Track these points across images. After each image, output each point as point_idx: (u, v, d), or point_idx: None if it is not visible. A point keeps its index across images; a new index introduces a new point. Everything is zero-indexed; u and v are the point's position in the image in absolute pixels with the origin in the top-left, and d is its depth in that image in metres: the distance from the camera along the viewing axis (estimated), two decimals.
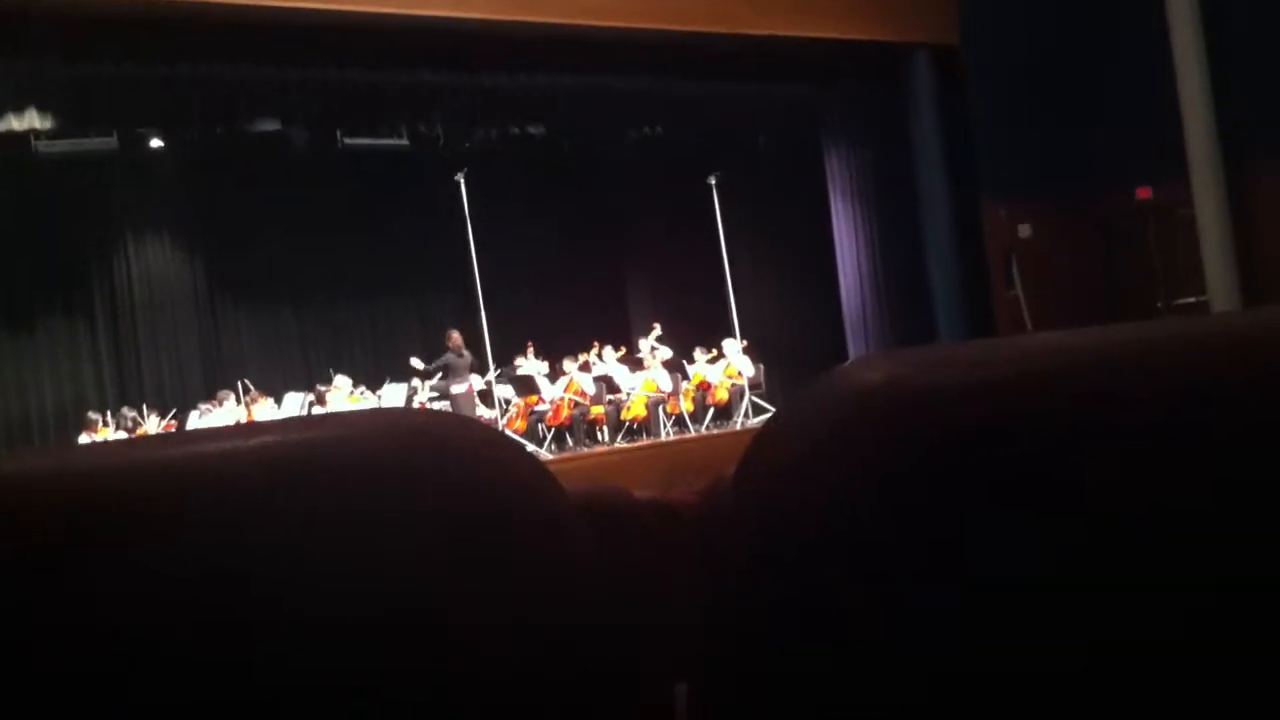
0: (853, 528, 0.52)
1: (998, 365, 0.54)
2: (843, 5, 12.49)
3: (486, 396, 13.18)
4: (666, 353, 14.10)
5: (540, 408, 13.58)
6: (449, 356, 12.84)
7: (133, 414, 12.75)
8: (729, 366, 14.08)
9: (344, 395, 12.87)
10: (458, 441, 0.59)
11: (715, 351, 14.31)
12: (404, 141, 13.40)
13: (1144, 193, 13.32)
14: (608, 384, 13.79)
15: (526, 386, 13.56)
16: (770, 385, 14.58)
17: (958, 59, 13.40)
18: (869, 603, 0.52)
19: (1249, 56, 11.96)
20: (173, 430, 10.85)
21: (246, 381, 13.51)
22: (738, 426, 13.43)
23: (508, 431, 12.19)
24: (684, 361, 14.36)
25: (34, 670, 0.48)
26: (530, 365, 13.93)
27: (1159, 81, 12.41)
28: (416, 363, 13.17)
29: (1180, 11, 12.19)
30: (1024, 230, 13.57)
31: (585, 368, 14.00)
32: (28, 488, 0.51)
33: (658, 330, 14.42)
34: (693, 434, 13.50)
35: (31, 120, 10.35)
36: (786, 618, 0.54)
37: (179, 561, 0.51)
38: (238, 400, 12.91)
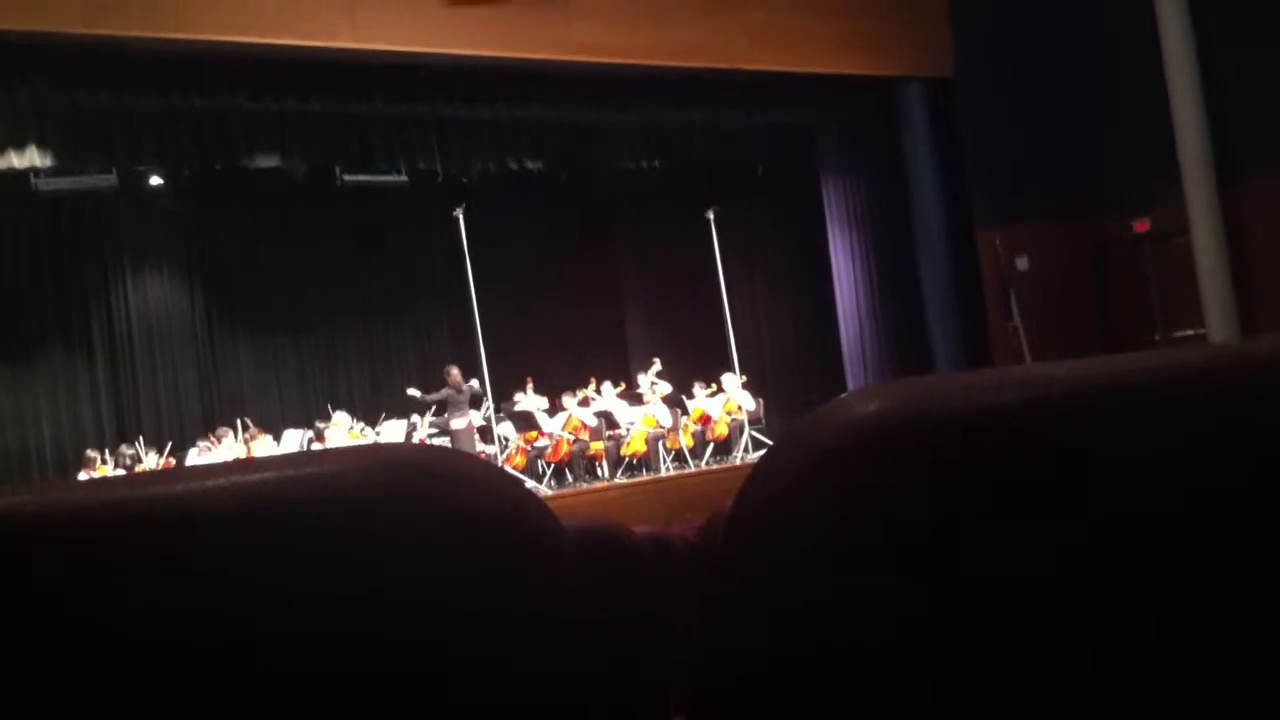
0: (848, 559, 0.52)
1: (993, 395, 0.54)
2: (836, 39, 12.55)
3: (486, 433, 13.16)
4: (666, 388, 14.08)
5: (539, 444, 13.55)
6: (448, 392, 12.83)
7: (131, 451, 12.73)
8: (728, 401, 14.07)
9: (343, 432, 12.85)
10: (453, 476, 0.59)
11: (715, 386, 14.30)
12: (403, 177, 13.44)
13: (1141, 226, 13.35)
14: (607, 419, 13.77)
15: (525, 422, 13.54)
16: (770, 419, 14.56)
17: (951, 90, 13.46)
18: (867, 636, 0.52)
19: (1244, 84, 12.00)
20: (171, 467, 10.83)
21: (246, 419, 13.49)
22: (738, 461, 13.40)
23: (507, 468, 12.16)
24: (683, 396, 14.35)
25: (27, 699, 0.48)
26: (529, 401, 13.91)
27: (1154, 110, 12.45)
28: (414, 392, 13.16)
29: (1174, 39, 12.22)
30: (1022, 263, 13.59)
31: (584, 403, 13.98)
32: (24, 522, 0.51)
33: (657, 365, 14.41)
34: (692, 469, 13.47)
35: (31, 158, 10.39)
36: (784, 651, 0.54)
37: (177, 595, 0.51)
38: (236, 437, 12.89)
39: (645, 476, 13.10)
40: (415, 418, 13.43)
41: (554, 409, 13.84)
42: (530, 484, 11.53)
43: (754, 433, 13.80)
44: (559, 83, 11.82)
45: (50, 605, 0.49)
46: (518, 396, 13.98)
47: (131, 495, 0.54)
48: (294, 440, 12.85)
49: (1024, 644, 0.50)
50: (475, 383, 12.59)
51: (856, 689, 0.52)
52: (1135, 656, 0.50)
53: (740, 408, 13.93)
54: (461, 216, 12.42)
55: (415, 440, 12.30)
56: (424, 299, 16.13)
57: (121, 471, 11.93)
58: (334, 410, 13.60)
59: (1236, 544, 0.51)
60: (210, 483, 0.54)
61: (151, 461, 12.58)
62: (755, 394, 14.43)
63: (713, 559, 0.60)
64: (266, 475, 0.55)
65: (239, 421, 13.32)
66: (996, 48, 13.38)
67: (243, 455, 12.08)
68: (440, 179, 13.09)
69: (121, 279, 14.82)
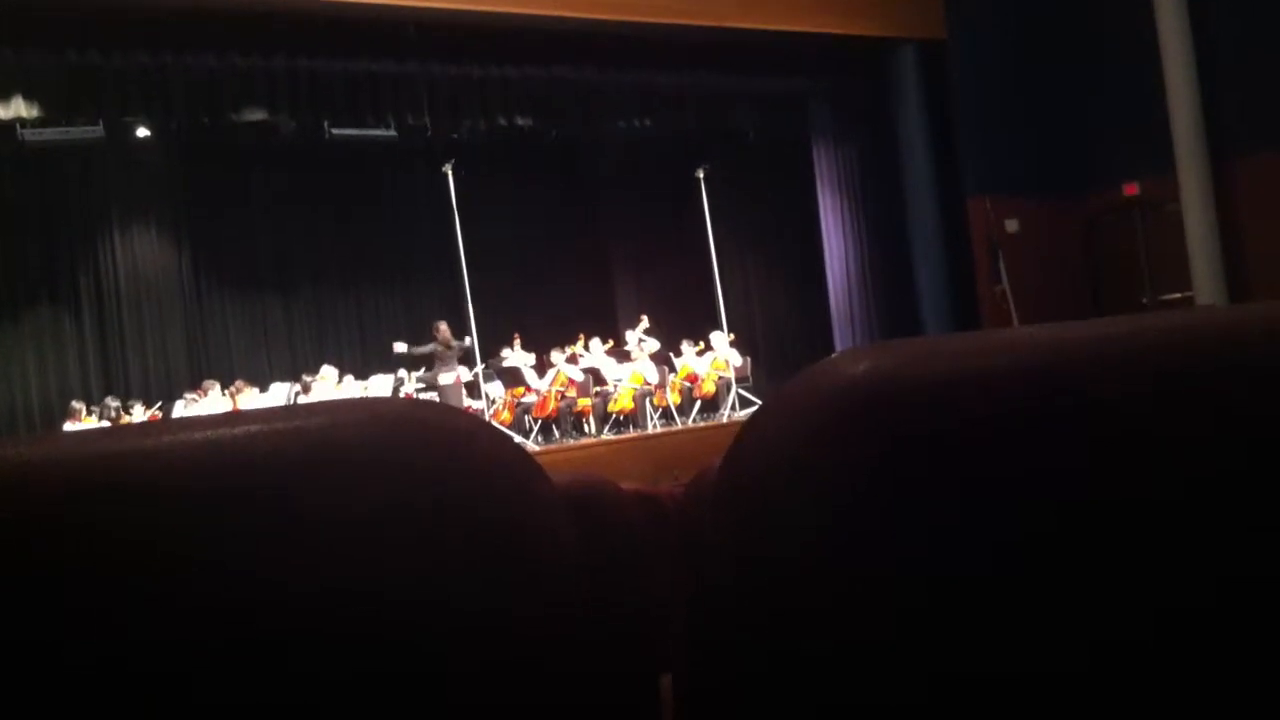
0: (836, 519, 0.52)
1: (982, 358, 0.54)
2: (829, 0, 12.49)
3: (473, 388, 13.16)
4: (654, 345, 14.09)
5: (527, 399, 13.56)
6: (434, 347, 12.82)
7: (116, 403, 12.70)
8: (716, 359, 14.08)
9: (330, 385, 12.84)
10: (441, 430, 0.59)
11: (702, 344, 14.31)
12: (391, 132, 13.35)
13: (1131, 189, 13.34)
14: (595, 376, 13.78)
15: (513, 378, 13.54)
16: (757, 378, 14.59)
17: (944, 53, 13.40)
18: (852, 595, 0.52)
19: (1236, 51, 11.98)
20: (157, 420, 10.80)
21: (234, 374, 13.47)
22: (724, 419, 13.43)
23: (494, 423, 12.16)
24: (671, 354, 14.36)
25: (12, 655, 0.48)
26: (517, 357, 13.91)
27: (1146, 76, 12.43)
28: (400, 346, 13.14)
29: (1167, 6, 12.19)
30: (1011, 225, 13.58)
31: (572, 360, 13.98)
32: (6, 474, 0.51)
33: (645, 322, 14.41)
34: (679, 426, 13.49)
35: (18, 109, 10.30)
36: (769, 609, 0.54)
37: (161, 549, 0.50)
38: (223, 390, 12.86)
39: (632, 433, 13.11)
40: (402, 373, 13.42)
41: (542, 365, 13.84)
42: (517, 439, 11.50)
43: (741, 391, 13.82)
44: (550, 40, 11.74)
45: (22, 563, 0.49)
46: (505, 352, 13.96)
47: (112, 448, 0.54)
48: (280, 394, 12.83)
49: (1020, 625, 0.50)
50: (469, 339, 12.56)
51: (844, 657, 0.52)
52: (1134, 644, 0.50)
53: (728, 364, 13.94)
54: (450, 173, 12.36)
55: (402, 395, 12.28)
56: (412, 255, 16.09)
57: (106, 424, 11.91)
58: (321, 365, 13.58)
59: (1239, 526, 0.51)
60: (197, 435, 0.54)
61: (138, 414, 12.56)
62: (743, 352, 14.44)
63: (702, 522, 0.60)
64: (255, 428, 0.55)
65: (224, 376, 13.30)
66: (990, 12, 13.32)
67: (229, 408, 12.03)
68: (429, 134, 13.02)
69: (108, 233, 14.74)
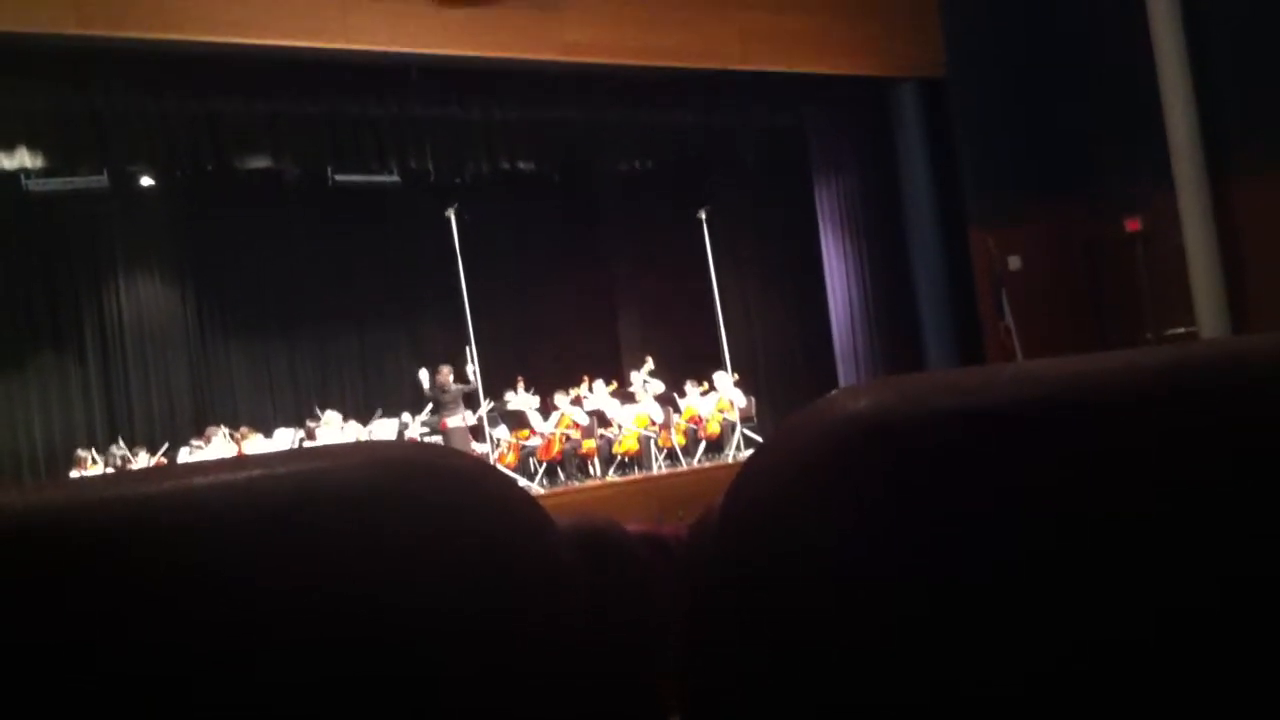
0: (838, 552, 0.52)
1: (984, 393, 0.54)
2: (829, 40, 12.55)
3: (478, 431, 13.15)
4: (658, 386, 14.09)
5: (531, 442, 13.55)
6: (438, 391, 12.85)
7: (122, 451, 12.70)
8: (721, 399, 14.08)
9: (335, 431, 12.84)
10: (445, 473, 0.59)
11: (707, 384, 14.31)
12: (394, 177, 13.42)
13: (1134, 225, 13.36)
14: (599, 418, 13.77)
15: (517, 421, 13.54)
16: (762, 417, 14.57)
17: (944, 90, 13.47)
18: (858, 634, 0.52)
19: (1234, 80, 12.03)
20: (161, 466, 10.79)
21: (238, 421, 13.47)
22: (730, 459, 13.40)
23: (498, 466, 12.15)
24: (675, 395, 14.36)
25: (18, 695, 0.48)
26: (521, 400, 13.91)
27: (1146, 109, 12.48)
28: (424, 375, 13.18)
29: (1165, 37, 12.24)
30: (1014, 263, 13.60)
31: (576, 402, 13.98)
32: (9, 522, 0.51)
33: (649, 364, 14.41)
34: (685, 467, 13.47)
35: (22, 159, 10.36)
36: (772, 645, 0.53)
37: (167, 592, 0.50)
38: (227, 437, 12.85)
39: (637, 475, 13.10)
40: (406, 417, 13.43)
41: (546, 408, 13.83)
42: (522, 482, 11.51)
43: (746, 431, 13.80)
44: (551, 83, 11.81)
45: (34, 605, 0.49)
46: (509, 395, 13.97)
47: (118, 494, 0.54)
48: (285, 439, 12.82)
49: (1019, 642, 0.50)
50: (472, 378, 12.56)
51: (847, 687, 0.52)
52: (1131, 654, 0.50)
53: (733, 405, 13.93)
54: (453, 216, 12.40)
55: (407, 438, 12.29)
56: (416, 298, 16.11)
57: (112, 471, 11.91)
58: (325, 410, 13.59)
59: (1230, 543, 0.51)
60: (199, 480, 0.54)
61: (143, 461, 12.55)
62: (748, 392, 14.44)
63: (705, 557, 0.60)
64: (256, 473, 0.55)
65: (228, 424, 13.30)
66: (989, 48, 13.40)
67: (234, 455, 12.02)
68: (432, 179, 13.08)
69: (113, 280, 14.78)
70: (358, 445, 0.59)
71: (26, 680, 0.48)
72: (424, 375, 13.20)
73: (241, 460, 0.56)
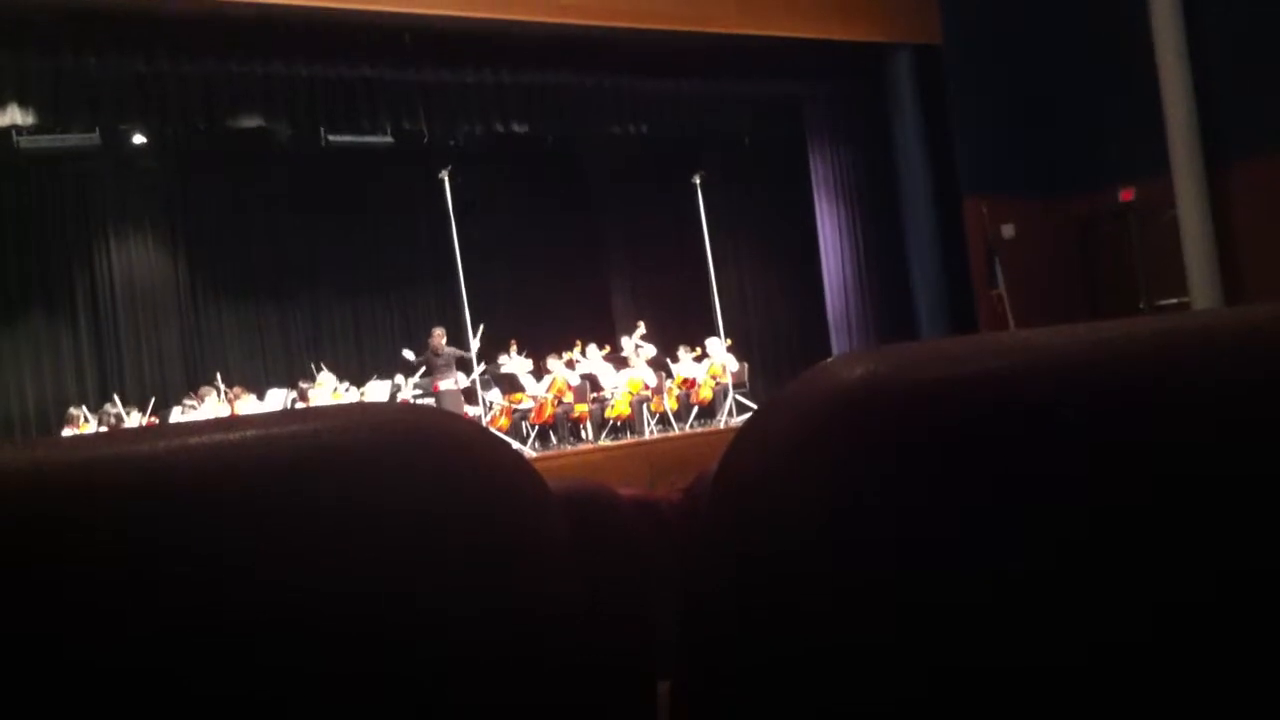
0: (833, 521, 0.52)
1: (978, 361, 0.54)
2: (825, 5, 12.48)
3: (471, 395, 13.16)
4: (651, 350, 14.09)
5: (524, 405, 13.56)
6: (427, 355, 12.85)
7: (115, 410, 12.69)
8: (713, 365, 14.08)
9: (327, 392, 12.84)
10: (438, 435, 0.59)
11: (699, 349, 14.31)
12: (388, 138, 13.37)
13: (1127, 194, 13.35)
14: (591, 382, 13.78)
15: (510, 384, 13.54)
16: (754, 383, 14.59)
17: (940, 58, 13.42)
18: (849, 598, 0.52)
19: (1231, 54, 11.99)
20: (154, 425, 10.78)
21: (230, 380, 13.46)
22: (721, 425, 13.42)
23: (491, 429, 12.14)
24: (668, 359, 14.37)
25: (7, 658, 0.48)
26: (514, 363, 13.91)
27: (1142, 79, 12.44)
28: (408, 353, 13.19)
29: (1164, 13, 12.21)
30: (1008, 230, 13.59)
31: (569, 365, 13.98)
32: (4, 479, 0.51)
33: (642, 328, 14.41)
34: (677, 432, 13.49)
35: (13, 115, 10.29)
36: (766, 614, 0.54)
37: (158, 552, 0.50)
38: (219, 397, 12.85)
39: (629, 439, 13.11)
40: (399, 378, 13.43)
41: (538, 371, 13.84)
42: (515, 445, 11.50)
43: (738, 396, 13.82)
44: (546, 46, 11.74)
45: (20, 565, 0.49)
46: (502, 359, 13.96)
47: (109, 452, 0.54)
48: (278, 400, 12.83)
49: (1020, 624, 0.50)
50: (477, 341, 12.54)
51: (842, 657, 0.52)
52: (1134, 643, 0.50)
53: (725, 369, 13.94)
54: (447, 178, 12.36)
55: (399, 401, 12.29)
56: (409, 261, 16.10)
57: (104, 429, 11.87)
58: (319, 370, 13.58)
59: (1233, 518, 0.51)
60: (193, 440, 0.54)
61: (135, 420, 12.54)
62: (740, 358, 14.44)
63: (698, 526, 0.60)
64: (250, 433, 0.55)
65: (221, 382, 13.29)
66: (986, 16, 13.33)
67: (226, 415, 12.01)
68: (426, 141, 13.04)
69: (105, 239, 14.74)
70: (355, 406, 0.59)
71: (21, 640, 0.48)
72: (408, 353, 13.21)
73: (236, 420, 0.56)
